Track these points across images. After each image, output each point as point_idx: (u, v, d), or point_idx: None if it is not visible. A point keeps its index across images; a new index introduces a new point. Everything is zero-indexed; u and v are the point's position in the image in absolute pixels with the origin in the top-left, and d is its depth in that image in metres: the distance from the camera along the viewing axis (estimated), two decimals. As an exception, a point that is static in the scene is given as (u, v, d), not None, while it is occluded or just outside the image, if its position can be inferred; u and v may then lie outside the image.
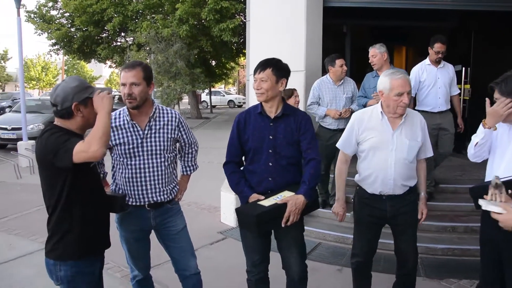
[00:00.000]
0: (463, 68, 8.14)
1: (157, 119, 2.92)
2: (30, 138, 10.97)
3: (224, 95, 37.51)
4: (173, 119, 2.98)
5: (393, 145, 2.96)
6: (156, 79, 18.52)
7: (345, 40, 8.72)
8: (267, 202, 2.72)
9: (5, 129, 12.74)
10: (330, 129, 5.21)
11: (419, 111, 4.61)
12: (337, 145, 3.26)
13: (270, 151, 2.88)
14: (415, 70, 5.38)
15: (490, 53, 8.05)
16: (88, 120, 2.38)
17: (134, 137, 2.85)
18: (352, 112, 5.11)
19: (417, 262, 3.26)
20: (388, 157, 2.97)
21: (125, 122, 2.86)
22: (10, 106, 23.34)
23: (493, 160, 2.68)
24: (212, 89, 31.66)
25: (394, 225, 3.14)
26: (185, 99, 26.33)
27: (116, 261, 4.31)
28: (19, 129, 11.56)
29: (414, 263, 3.17)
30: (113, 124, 2.85)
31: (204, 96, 33.58)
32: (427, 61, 5.36)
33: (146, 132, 2.87)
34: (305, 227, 5.02)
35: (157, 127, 2.90)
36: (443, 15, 7.60)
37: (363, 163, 3.11)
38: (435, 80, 5.26)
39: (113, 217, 2.79)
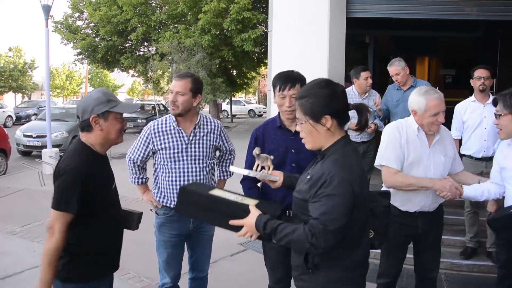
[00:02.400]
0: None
1: (202, 127, 3.08)
2: (54, 146, 11.18)
3: (244, 105, 37.63)
4: (216, 128, 3.16)
5: (430, 162, 2.88)
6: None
7: (367, 50, 8.66)
8: (227, 194, 2.23)
9: (30, 136, 13.03)
10: (354, 141, 5.15)
11: (461, 155, 4.41)
12: (378, 162, 2.97)
13: (293, 165, 2.79)
14: (458, 108, 4.69)
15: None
16: (107, 135, 2.29)
17: (179, 143, 3.00)
18: (376, 127, 5.05)
19: (436, 279, 3.17)
20: (427, 174, 2.87)
21: (172, 127, 3.03)
22: (35, 114, 23.87)
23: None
24: (233, 99, 31.77)
25: (423, 241, 3.04)
26: (206, 108, 26.50)
27: (137, 271, 4.32)
28: (44, 136, 11.82)
29: (435, 279, 3.10)
30: (160, 129, 3.02)
31: (225, 106, 33.72)
32: (472, 97, 4.63)
33: (191, 138, 3.03)
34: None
35: (201, 134, 3.07)
36: (467, 25, 7.48)
37: None
38: (481, 119, 4.46)
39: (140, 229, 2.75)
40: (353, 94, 5.19)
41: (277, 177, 2.36)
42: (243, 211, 2.03)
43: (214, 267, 4.66)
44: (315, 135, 1.99)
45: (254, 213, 1.99)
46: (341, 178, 1.85)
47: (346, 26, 6.17)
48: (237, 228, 2.01)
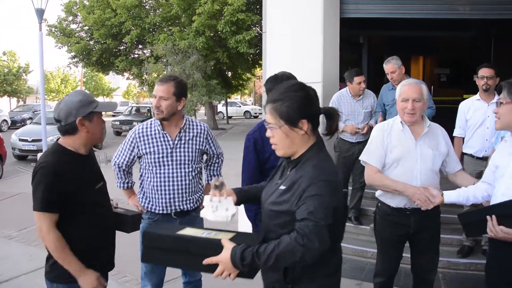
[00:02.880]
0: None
1: (187, 130, 3.04)
2: (49, 150, 11.12)
3: (240, 106, 37.63)
4: (202, 131, 3.12)
5: (417, 155, 2.88)
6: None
7: (361, 50, 8.69)
8: (198, 231, 1.94)
9: (26, 140, 12.98)
10: (349, 141, 5.17)
11: (463, 153, 4.48)
12: (362, 158, 3.05)
13: None
14: (462, 106, 4.62)
15: (510, 61, 7.92)
16: (93, 135, 2.32)
17: (164, 147, 2.96)
18: (371, 128, 5.06)
19: (434, 280, 3.14)
20: (413, 168, 2.88)
21: (157, 131, 2.98)
22: (30, 118, 23.79)
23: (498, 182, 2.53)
24: (228, 100, 31.75)
25: (417, 241, 3.02)
26: (202, 110, 26.48)
27: (134, 274, 4.31)
28: (39, 140, 11.78)
29: (432, 281, 3.07)
30: (144, 133, 2.98)
31: (220, 107, 33.72)
32: (477, 95, 4.52)
33: (176, 142, 2.99)
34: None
35: (187, 138, 3.03)
36: (461, 24, 7.51)
37: (388, 175, 2.96)
38: (484, 118, 4.38)
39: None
40: (347, 96, 5.19)
41: (233, 201, 2.09)
42: (217, 247, 1.76)
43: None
44: (290, 140, 1.88)
45: (228, 246, 1.74)
46: (324, 180, 1.79)
47: (340, 27, 6.19)
48: (213, 268, 1.77)
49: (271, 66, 6.69)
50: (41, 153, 10.61)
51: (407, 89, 2.87)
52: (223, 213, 2.00)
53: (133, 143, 3.01)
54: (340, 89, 5.88)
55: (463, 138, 4.59)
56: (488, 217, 2.28)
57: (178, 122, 3.02)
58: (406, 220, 2.94)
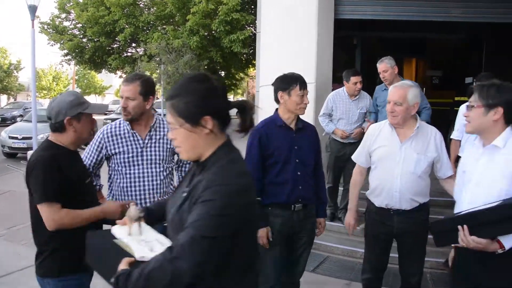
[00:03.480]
0: (474, 80, 8.09)
1: (158, 129, 2.96)
2: (40, 148, 11.04)
3: (233, 106, 37.57)
4: None
5: (400, 157, 2.92)
6: (166, 89, 18.61)
7: (355, 52, 8.72)
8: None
9: (16, 138, 12.86)
10: (340, 142, 5.18)
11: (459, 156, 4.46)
12: (352, 157, 3.30)
13: (297, 160, 2.98)
14: (462, 109, 4.32)
15: (501, 64, 7.98)
16: (80, 135, 2.41)
17: (134, 146, 2.88)
18: (363, 133, 5.08)
19: (420, 283, 3.14)
20: (394, 169, 2.93)
21: (126, 131, 2.90)
22: (21, 115, 23.60)
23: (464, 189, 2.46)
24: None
25: (401, 243, 3.08)
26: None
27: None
28: (30, 138, 11.67)
29: (416, 285, 3.08)
30: (113, 132, 2.89)
31: (213, 107, 33.57)
32: None
33: (146, 141, 2.90)
34: (314, 241, 4.98)
35: (157, 137, 2.94)
36: (453, 27, 7.56)
37: (372, 174, 3.12)
38: None
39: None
40: (343, 95, 5.20)
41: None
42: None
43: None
44: (193, 141, 1.60)
45: (120, 267, 1.51)
46: (221, 184, 1.49)
47: (334, 28, 6.20)
48: None
49: (264, 66, 6.69)
50: (32, 151, 10.51)
51: (391, 91, 2.94)
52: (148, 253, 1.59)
53: (101, 143, 2.91)
54: (333, 90, 5.90)
55: (460, 141, 4.59)
56: (459, 227, 2.24)
57: (148, 121, 2.93)
58: (390, 219, 2.99)
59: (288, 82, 2.94)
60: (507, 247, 2.16)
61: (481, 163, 2.33)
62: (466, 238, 2.20)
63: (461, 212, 2.34)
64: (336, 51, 6.30)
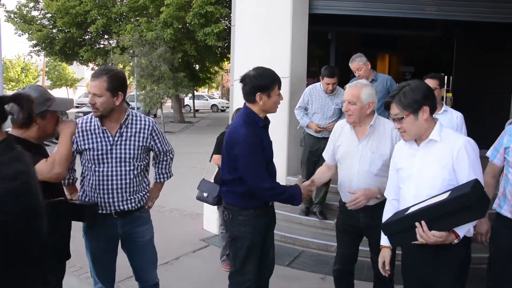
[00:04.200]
0: (446, 77, 8.26)
1: (129, 126, 2.83)
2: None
3: (207, 99, 37.37)
4: (146, 127, 2.88)
5: (358, 156, 2.96)
6: (139, 82, 18.37)
7: (329, 47, 8.76)
8: None
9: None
10: (314, 136, 5.19)
11: None
12: (323, 154, 3.33)
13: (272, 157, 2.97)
14: None
15: (471, 61, 8.17)
16: (44, 131, 2.42)
17: (103, 143, 2.76)
18: None
19: (391, 277, 3.09)
20: (353, 167, 2.98)
21: (96, 127, 2.78)
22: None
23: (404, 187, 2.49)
24: (196, 93, 31.53)
25: (368, 238, 3.10)
26: (168, 103, 26.17)
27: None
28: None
29: (383, 278, 3.02)
30: (84, 128, 2.78)
31: (187, 100, 33.40)
32: None
33: (116, 138, 2.78)
34: (288, 235, 5.00)
35: (128, 134, 2.82)
36: (427, 24, 7.68)
37: (338, 171, 3.17)
38: None
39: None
40: (319, 90, 5.19)
41: None
42: None
43: (176, 263, 4.60)
44: None
45: None
46: None
47: (309, 23, 6.21)
48: None
49: (239, 59, 6.66)
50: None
51: (345, 91, 2.97)
52: None
53: (72, 138, 2.78)
54: (307, 84, 5.91)
55: None
56: (417, 223, 2.21)
57: (119, 117, 2.79)
58: (356, 214, 3.02)
59: (268, 83, 2.76)
60: (461, 235, 2.22)
61: (418, 158, 2.38)
62: (426, 234, 2.19)
63: (409, 207, 2.34)
64: (310, 46, 6.31)
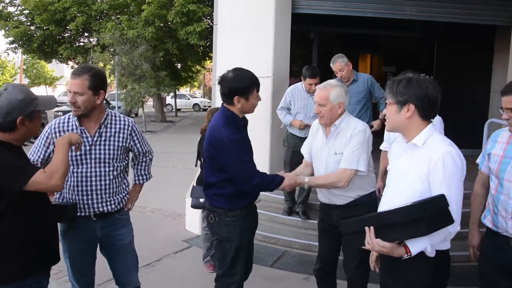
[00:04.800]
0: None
1: (108, 126, 2.78)
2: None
3: (189, 99, 37.18)
4: (126, 127, 2.84)
5: (325, 155, 2.98)
6: (120, 81, 18.15)
7: (312, 46, 8.77)
8: None
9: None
10: (297, 136, 5.18)
11: None
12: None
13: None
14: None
15: (452, 62, 8.27)
16: (31, 133, 2.32)
17: (82, 144, 2.68)
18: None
19: (355, 281, 3.08)
20: (320, 166, 3.01)
21: (74, 127, 2.72)
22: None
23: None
24: (177, 92, 31.32)
25: (342, 238, 3.02)
26: (150, 102, 25.94)
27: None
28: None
29: (350, 281, 3.07)
30: (61, 128, 2.72)
31: (169, 99, 33.18)
32: None
33: (95, 139, 2.73)
34: (271, 235, 4.98)
35: (108, 134, 2.77)
36: (407, 24, 7.75)
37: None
38: None
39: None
40: (301, 90, 5.18)
41: None
42: None
43: (158, 265, 4.55)
44: None
45: None
46: None
47: (291, 22, 6.19)
48: None
49: (222, 59, 6.61)
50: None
51: (315, 93, 2.96)
52: None
53: (48, 138, 2.74)
54: (290, 84, 5.90)
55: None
56: (366, 228, 2.06)
57: (99, 117, 2.74)
58: (331, 213, 3.05)
59: (246, 86, 2.72)
60: (413, 252, 1.99)
61: (401, 161, 2.21)
62: (371, 241, 2.05)
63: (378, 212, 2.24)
64: (293, 45, 6.30)
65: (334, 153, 2.92)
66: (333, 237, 3.10)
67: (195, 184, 4.38)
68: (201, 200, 4.10)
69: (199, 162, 4.31)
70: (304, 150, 3.24)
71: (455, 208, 1.98)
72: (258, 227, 3.11)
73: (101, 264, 2.97)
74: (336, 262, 3.20)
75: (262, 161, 5.07)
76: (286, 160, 5.34)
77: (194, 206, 4.27)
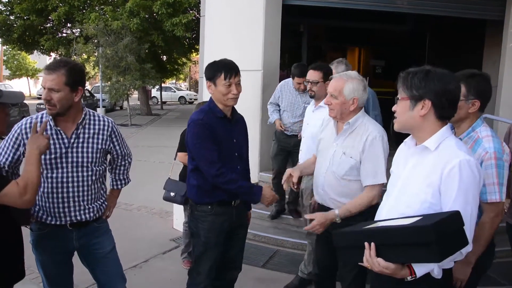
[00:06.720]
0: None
1: (87, 126, 2.55)
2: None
3: (175, 91, 36.77)
4: (106, 128, 2.62)
5: (331, 154, 2.71)
6: (104, 73, 17.79)
7: (301, 39, 8.63)
8: None
9: None
10: (284, 132, 5.05)
11: None
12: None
13: (236, 154, 2.84)
14: None
15: (444, 55, 8.21)
16: None
17: (57, 146, 2.45)
18: None
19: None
20: (323, 164, 2.77)
21: (48, 127, 2.45)
22: None
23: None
24: (163, 85, 30.97)
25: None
26: (135, 94, 25.57)
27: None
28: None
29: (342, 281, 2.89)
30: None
31: (155, 92, 32.80)
32: None
33: (72, 140, 2.48)
34: (262, 234, 4.88)
35: (86, 135, 2.53)
36: (399, 18, 7.65)
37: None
38: None
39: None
40: (290, 87, 5.02)
41: None
42: None
43: (145, 267, 4.38)
44: None
45: None
46: None
47: (281, 14, 6.04)
48: None
49: (208, 51, 6.43)
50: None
51: (330, 82, 2.74)
52: None
53: (18, 139, 2.46)
54: (280, 77, 5.77)
55: None
56: (366, 244, 1.80)
57: (76, 117, 2.50)
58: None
59: (213, 71, 2.69)
60: (419, 274, 1.76)
61: (409, 165, 1.97)
62: (372, 259, 1.79)
63: (376, 222, 1.99)
64: (282, 38, 6.15)
65: (342, 153, 2.66)
66: (331, 245, 2.94)
67: (171, 177, 4.25)
68: (172, 194, 4.10)
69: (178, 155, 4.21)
70: (305, 152, 3.12)
71: (469, 226, 1.77)
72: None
73: (83, 268, 2.77)
74: (335, 266, 2.96)
75: (252, 156, 4.90)
76: (271, 155, 5.27)
77: (165, 198, 4.21)
